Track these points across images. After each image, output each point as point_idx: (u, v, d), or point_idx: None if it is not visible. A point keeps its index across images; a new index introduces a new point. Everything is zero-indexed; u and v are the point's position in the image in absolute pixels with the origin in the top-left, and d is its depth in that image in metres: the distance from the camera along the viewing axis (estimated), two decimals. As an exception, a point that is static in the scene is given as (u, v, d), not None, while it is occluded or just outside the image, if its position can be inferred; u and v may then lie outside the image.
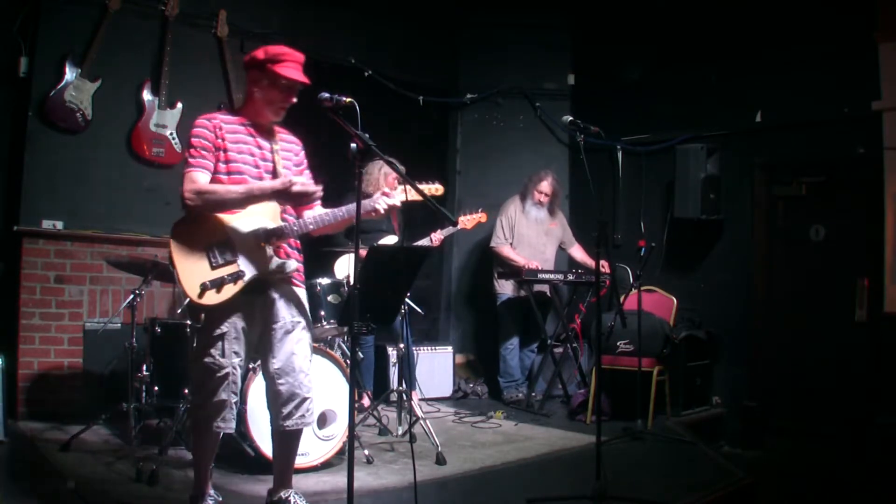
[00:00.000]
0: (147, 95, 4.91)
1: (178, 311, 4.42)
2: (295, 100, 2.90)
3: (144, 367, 3.98)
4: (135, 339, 3.94)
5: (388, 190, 2.91)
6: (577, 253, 6.04)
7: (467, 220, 5.06)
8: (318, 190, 2.84)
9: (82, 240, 4.69)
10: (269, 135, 2.96)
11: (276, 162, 2.92)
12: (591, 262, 5.68)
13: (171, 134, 4.97)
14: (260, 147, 2.92)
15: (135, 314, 3.98)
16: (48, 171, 4.62)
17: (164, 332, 4.11)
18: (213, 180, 2.82)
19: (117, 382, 4.44)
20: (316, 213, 2.94)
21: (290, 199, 2.83)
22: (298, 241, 3.01)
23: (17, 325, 4.46)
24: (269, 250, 2.84)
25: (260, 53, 2.86)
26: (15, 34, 4.55)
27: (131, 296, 3.95)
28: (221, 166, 2.83)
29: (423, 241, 5.01)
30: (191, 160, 2.80)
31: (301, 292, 3.01)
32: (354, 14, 6.10)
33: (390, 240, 5.00)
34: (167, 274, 4.12)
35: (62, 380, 4.56)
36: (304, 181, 2.83)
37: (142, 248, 4.87)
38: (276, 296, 2.91)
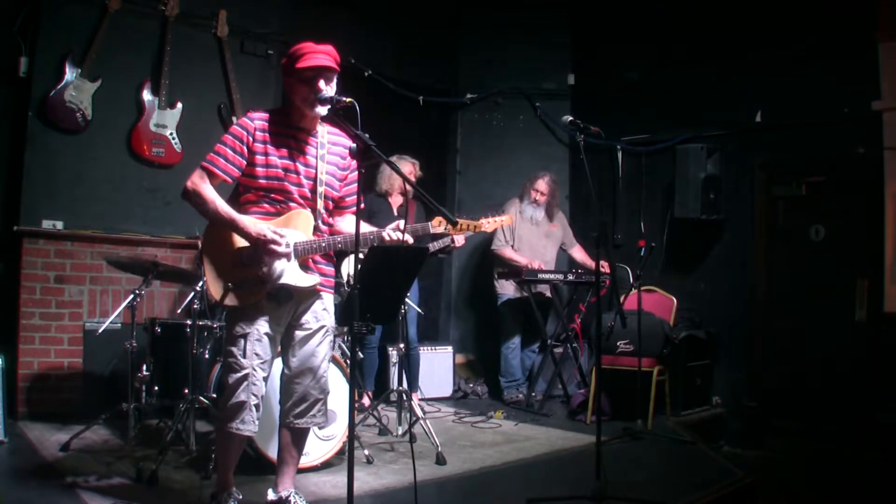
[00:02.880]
0: (147, 95, 4.91)
1: (178, 310, 4.43)
2: (328, 89, 2.78)
3: (144, 367, 3.97)
4: (135, 339, 3.95)
5: (400, 223, 2.89)
6: (578, 254, 6.04)
7: (488, 223, 4.90)
8: (287, 253, 2.77)
9: (82, 240, 4.69)
10: (315, 138, 2.92)
11: (318, 169, 2.89)
12: (591, 263, 5.68)
13: (171, 134, 4.97)
14: (304, 152, 2.89)
15: (135, 314, 3.98)
16: (48, 171, 4.62)
17: (164, 332, 4.11)
18: (250, 181, 2.83)
19: (117, 382, 4.45)
20: (348, 234, 2.92)
21: (261, 251, 2.76)
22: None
23: (17, 325, 4.46)
24: (296, 264, 2.85)
25: (284, 59, 2.87)
26: (15, 34, 4.55)
27: (131, 296, 3.94)
28: (260, 170, 2.81)
29: (445, 240, 4.95)
30: (211, 157, 2.80)
31: (328, 297, 3.02)
32: (354, 14, 6.10)
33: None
34: (167, 274, 4.13)
35: (62, 380, 4.56)
36: (281, 247, 2.76)
37: (142, 248, 4.87)
38: (302, 301, 2.92)
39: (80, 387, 4.59)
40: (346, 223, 3.04)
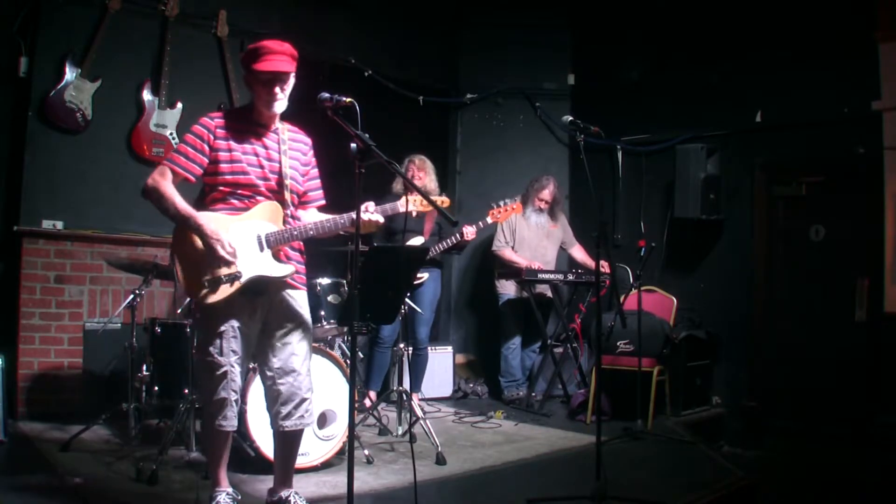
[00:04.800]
0: (147, 95, 4.91)
1: (178, 311, 4.43)
2: (284, 90, 2.84)
3: (144, 367, 3.98)
4: (135, 339, 3.95)
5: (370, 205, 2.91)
6: (578, 253, 6.04)
7: (499, 213, 4.84)
8: (233, 262, 2.74)
9: (82, 240, 4.69)
10: (276, 134, 2.95)
11: (282, 163, 2.91)
12: (591, 263, 5.68)
13: (171, 134, 4.97)
14: (266, 147, 2.91)
15: (135, 314, 3.99)
16: (48, 171, 4.62)
17: (164, 332, 4.11)
18: (215, 178, 2.83)
19: (117, 382, 4.44)
20: (318, 220, 2.94)
21: (211, 255, 2.74)
22: (301, 244, 3.01)
23: (17, 325, 4.46)
24: (269, 253, 2.85)
25: (243, 54, 2.88)
26: (15, 34, 4.55)
27: (131, 296, 3.95)
28: (224, 166, 2.82)
29: (455, 237, 4.94)
30: (172, 155, 2.82)
31: (301, 294, 3.00)
32: (354, 14, 6.10)
33: (417, 241, 4.97)
34: (167, 274, 4.12)
35: (62, 380, 4.56)
36: (230, 250, 2.73)
37: (142, 248, 4.87)
38: (276, 297, 2.91)
39: (80, 387, 4.59)
40: (310, 216, 3.05)
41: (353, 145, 2.58)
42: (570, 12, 6.80)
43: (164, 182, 2.77)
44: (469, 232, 4.88)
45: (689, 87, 6.07)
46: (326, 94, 2.66)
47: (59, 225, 4.63)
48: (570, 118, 3.70)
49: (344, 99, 2.63)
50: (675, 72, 6.16)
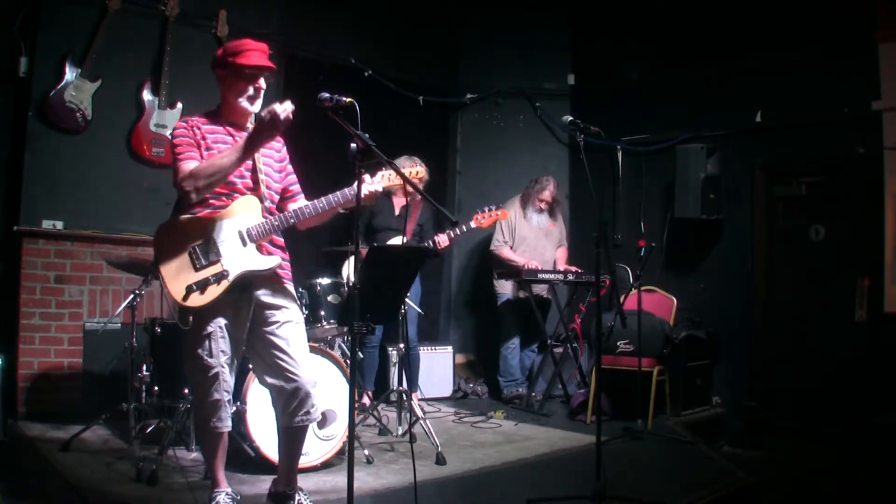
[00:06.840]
0: (147, 95, 4.91)
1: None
2: (264, 86, 2.90)
3: (144, 367, 3.98)
4: (135, 339, 3.95)
5: (366, 177, 2.89)
6: (558, 253, 6.00)
7: (482, 219, 4.88)
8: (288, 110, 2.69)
9: (82, 240, 4.69)
10: (247, 132, 2.93)
11: (255, 160, 2.91)
12: (560, 267, 5.75)
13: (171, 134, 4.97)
14: None
15: (135, 314, 3.99)
16: (48, 171, 4.62)
17: (164, 332, 4.11)
18: None
19: (117, 382, 4.44)
20: (296, 207, 2.94)
21: (271, 123, 2.68)
22: (282, 240, 3.01)
23: (17, 325, 4.46)
24: (253, 248, 2.84)
25: (220, 51, 2.88)
26: (15, 34, 4.55)
27: (131, 296, 3.95)
28: None
29: (428, 243, 4.94)
30: (179, 153, 2.81)
31: (288, 287, 3.00)
32: (354, 14, 6.11)
33: (397, 241, 4.97)
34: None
35: (62, 380, 4.56)
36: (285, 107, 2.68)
37: (142, 248, 4.86)
38: (263, 293, 2.91)
39: (80, 387, 4.59)
40: (300, 205, 3.03)
41: (353, 145, 2.58)
42: (570, 12, 6.79)
43: (194, 162, 2.77)
44: (441, 241, 4.88)
45: (688, 87, 6.07)
46: (326, 94, 2.66)
47: (59, 225, 4.63)
48: (570, 118, 3.70)
49: (344, 99, 2.64)
50: (674, 72, 6.16)
